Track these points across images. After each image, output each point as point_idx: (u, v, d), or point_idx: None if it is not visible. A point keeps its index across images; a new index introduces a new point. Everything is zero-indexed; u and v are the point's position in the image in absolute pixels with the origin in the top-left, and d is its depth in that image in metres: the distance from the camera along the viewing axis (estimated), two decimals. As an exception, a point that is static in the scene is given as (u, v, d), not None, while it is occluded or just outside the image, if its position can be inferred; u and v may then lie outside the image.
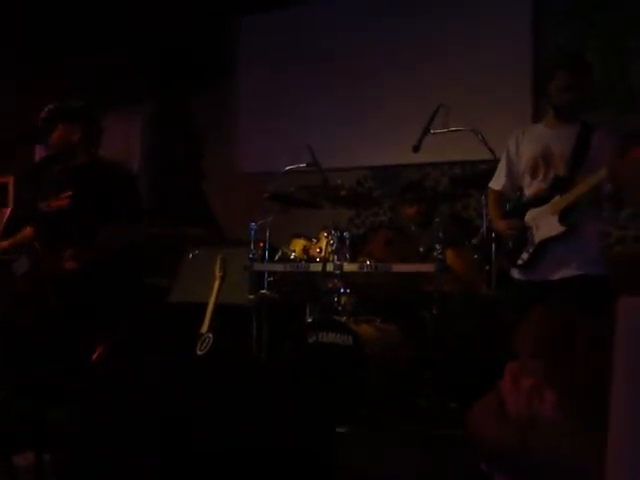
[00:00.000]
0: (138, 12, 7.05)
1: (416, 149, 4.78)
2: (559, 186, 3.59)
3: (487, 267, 4.61)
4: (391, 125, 6.54)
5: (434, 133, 4.80)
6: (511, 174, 3.93)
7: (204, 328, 4.63)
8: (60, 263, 3.75)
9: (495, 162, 4.70)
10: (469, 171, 5.92)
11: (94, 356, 3.58)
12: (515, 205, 3.90)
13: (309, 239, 5.04)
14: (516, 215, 3.80)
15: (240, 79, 7.53)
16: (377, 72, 6.78)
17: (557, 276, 3.61)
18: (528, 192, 3.81)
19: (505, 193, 3.98)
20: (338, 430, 3.64)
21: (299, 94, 7.15)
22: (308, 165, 5.33)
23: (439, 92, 5.91)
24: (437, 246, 4.35)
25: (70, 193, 3.89)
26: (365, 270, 4.61)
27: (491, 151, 4.70)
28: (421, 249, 4.80)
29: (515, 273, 3.82)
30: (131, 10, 7.01)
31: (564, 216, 3.55)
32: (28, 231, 4.20)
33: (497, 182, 4.01)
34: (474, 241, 5.00)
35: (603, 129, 3.68)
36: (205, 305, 4.78)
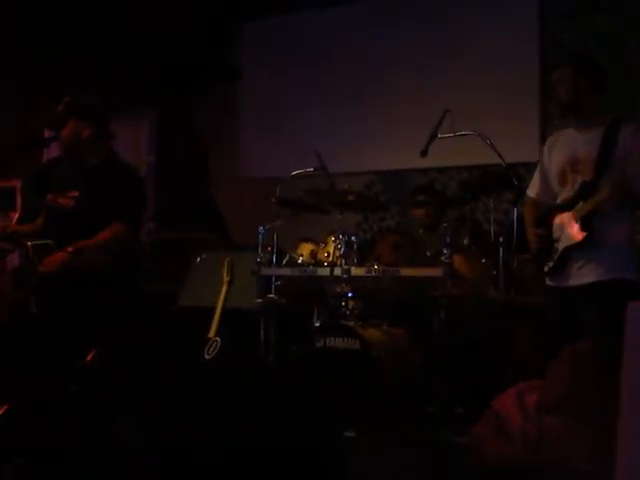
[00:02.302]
0: (141, 17, 7.07)
1: (424, 154, 4.77)
2: (584, 192, 3.56)
3: (495, 271, 4.60)
4: (398, 129, 6.53)
5: (441, 138, 4.79)
6: (545, 181, 3.87)
7: (212, 332, 4.64)
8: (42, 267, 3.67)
9: (502, 167, 4.71)
10: (477, 175, 5.90)
11: (87, 358, 3.53)
12: (544, 211, 3.87)
13: (317, 243, 5.04)
14: (545, 221, 3.77)
15: (245, 83, 7.53)
16: (383, 75, 6.78)
17: (580, 282, 3.58)
18: (559, 200, 3.77)
19: (541, 199, 3.94)
20: (345, 434, 3.64)
21: (304, 98, 7.15)
22: (315, 170, 5.33)
23: (446, 96, 5.91)
24: (445, 250, 4.35)
25: (76, 194, 3.83)
26: (373, 274, 4.61)
27: (499, 155, 4.68)
28: (429, 253, 4.80)
29: (547, 280, 3.80)
30: (134, 14, 7.04)
31: (586, 223, 3.53)
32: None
33: (532, 189, 3.97)
34: (465, 241, 4.94)
35: (629, 126, 3.59)
36: (213, 309, 4.78)
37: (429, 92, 6.40)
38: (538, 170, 3.94)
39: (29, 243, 3.73)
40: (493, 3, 6.40)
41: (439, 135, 4.78)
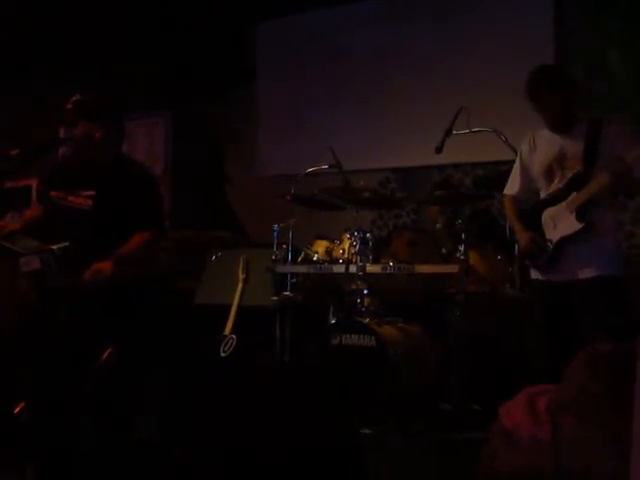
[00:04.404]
0: (157, 19, 7.11)
1: (438, 150, 4.77)
2: (576, 183, 3.57)
3: (510, 268, 4.59)
4: (413, 126, 6.52)
5: (456, 134, 4.79)
6: (526, 178, 3.91)
7: (227, 330, 4.65)
8: (79, 277, 3.48)
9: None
10: (492, 172, 5.89)
11: (103, 356, 3.49)
12: (532, 205, 3.88)
13: (332, 241, 5.05)
14: (532, 215, 3.77)
15: (260, 82, 7.54)
16: (398, 72, 6.76)
17: (574, 277, 3.59)
18: (545, 194, 3.79)
19: (520, 197, 3.96)
20: (361, 431, 3.64)
21: (319, 96, 7.14)
22: (330, 167, 5.33)
23: (461, 93, 5.90)
24: (460, 247, 4.34)
25: (92, 193, 3.68)
26: (388, 271, 4.61)
27: (515, 152, 4.67)
28: (444, 250, 4.79)
29: (534, 273, 3.80)
30: (149, 16, 7.08)
31: (581, 213, 3.54)
32: (36, 211, 3.94)
33: (512, 187, 3.99)
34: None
35: (612, 122, 3.64)
36: (228, 307, 4.80)
37: (444, 89, 6.38)
38: (518, 169, 3.97)
39: (54, 247, 3.57)
40: (509, 1, 6.38)
41: (454, 132, 4.79)
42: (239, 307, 4.77)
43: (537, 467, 2.61)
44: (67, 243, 3.58)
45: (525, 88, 3.75)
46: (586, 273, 3.55)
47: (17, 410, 3.34)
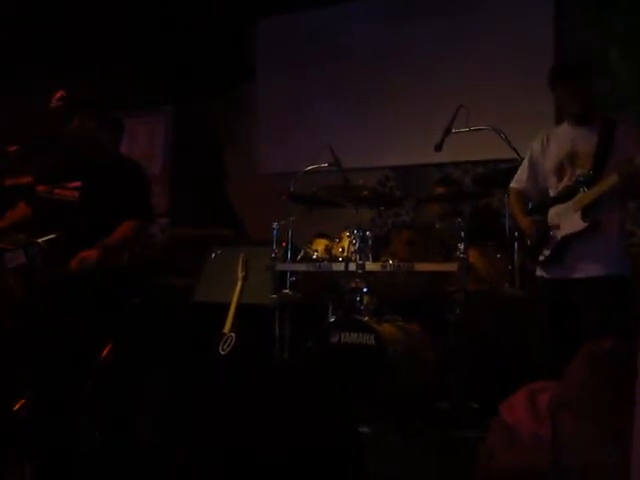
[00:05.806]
0: (157, 17, 7.11)
1: (438, 148, 4.77)
2: (585, 183, 3.57)
3: (510, 266, 4.58)
4: (412, 126, 6.51)
5: (456, 132, 4.78)
6: (534, 175, 3.92)
7: (226, 328, 4.64)
8: (66, 267, 3.47)
9: (517, 161, 4.69)
10: (491, 170, 5.88)
11: (103, 353, 3.47)
12: (539, 202, 3.89)
13: (331, 239, 5.04)
14: (539, 212, 3.79)
15: (260, 80, 7.54)
16: (398, 71, 6.76)
17: (579, 275, 3.59)
18: (554, 192, 3.79)
19: (526, 193, 3.97)
20: (360, 430, 3.63)
21: (319, 95, 7.15)
22: (329, 165, 5.33)
23: (461, 91, 5.89)
24: (460, 245, 4.34)
25: (78, 184, 3.69)
26: (387, 270, 4.60)
27: (514, 150, 4.67)
28: (443, 248, 4.78)
29: (539, 271, 3.80)
30: (149, 15, 7.08)
31: (587, 212, 3.54)
32: (23, 209, 3.91)
33: (519, 182, 4.01)
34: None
35: (626, 124, 3.67)
36: (228, 305, 4.79)
37: (444, 89, 6.37)
38: (526, 165, 3.99)
39: (39, 240, 3.53)
40: (509, 0, 6.38)
41: (453, 130, 4.78)
42: (238, 305, 4.77)
43: (536, 465, 2.60)
44: (53, 235, 3.53)
45: (547, 81, 3.84)
46: (593, 271, 3.56)
47: (16, 407, 3.33)
